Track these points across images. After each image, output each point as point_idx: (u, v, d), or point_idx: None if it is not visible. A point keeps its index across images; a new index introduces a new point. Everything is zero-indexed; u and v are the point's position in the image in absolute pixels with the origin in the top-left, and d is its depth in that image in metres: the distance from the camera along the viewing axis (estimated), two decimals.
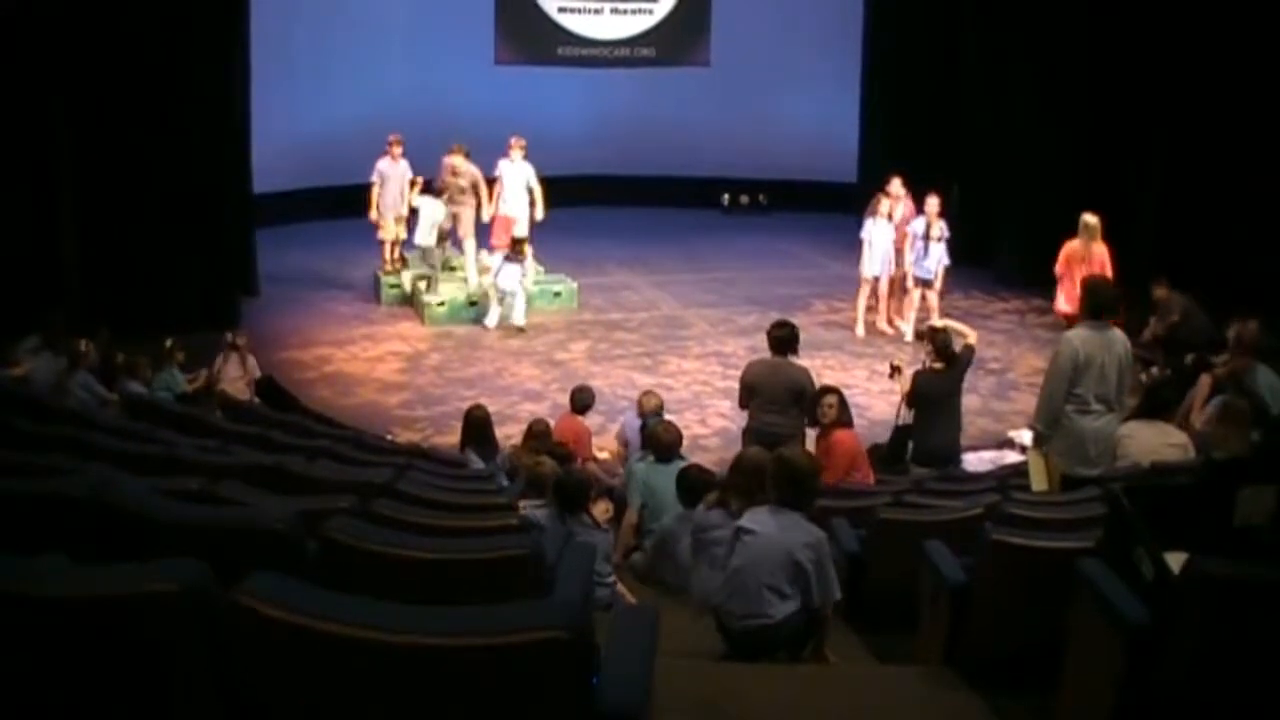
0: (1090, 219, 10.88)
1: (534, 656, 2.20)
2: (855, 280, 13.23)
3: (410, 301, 13.51)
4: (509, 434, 9.20)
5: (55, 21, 10.84)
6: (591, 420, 9.65)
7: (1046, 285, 13.30)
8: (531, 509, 5.93)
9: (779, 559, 4.76)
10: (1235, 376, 8.94)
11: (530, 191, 13.27)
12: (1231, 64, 12.35)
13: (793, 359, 8.28)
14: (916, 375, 8.77)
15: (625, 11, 18.62)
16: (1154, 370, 10.78)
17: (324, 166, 16.42)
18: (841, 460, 7.86)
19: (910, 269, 12.66)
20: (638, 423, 8.72)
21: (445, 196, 13.21)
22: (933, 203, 12.56)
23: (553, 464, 6.87)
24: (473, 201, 13.21)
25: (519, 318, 12.70)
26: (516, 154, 13.26)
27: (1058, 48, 14.41)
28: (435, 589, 3.06)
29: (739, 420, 8.74)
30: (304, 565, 3.27)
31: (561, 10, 18.41)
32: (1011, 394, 11.29)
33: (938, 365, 8.64)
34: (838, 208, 17.80)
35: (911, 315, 12.80)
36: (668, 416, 8.70)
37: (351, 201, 16.06)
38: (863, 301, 12.93)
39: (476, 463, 8.12)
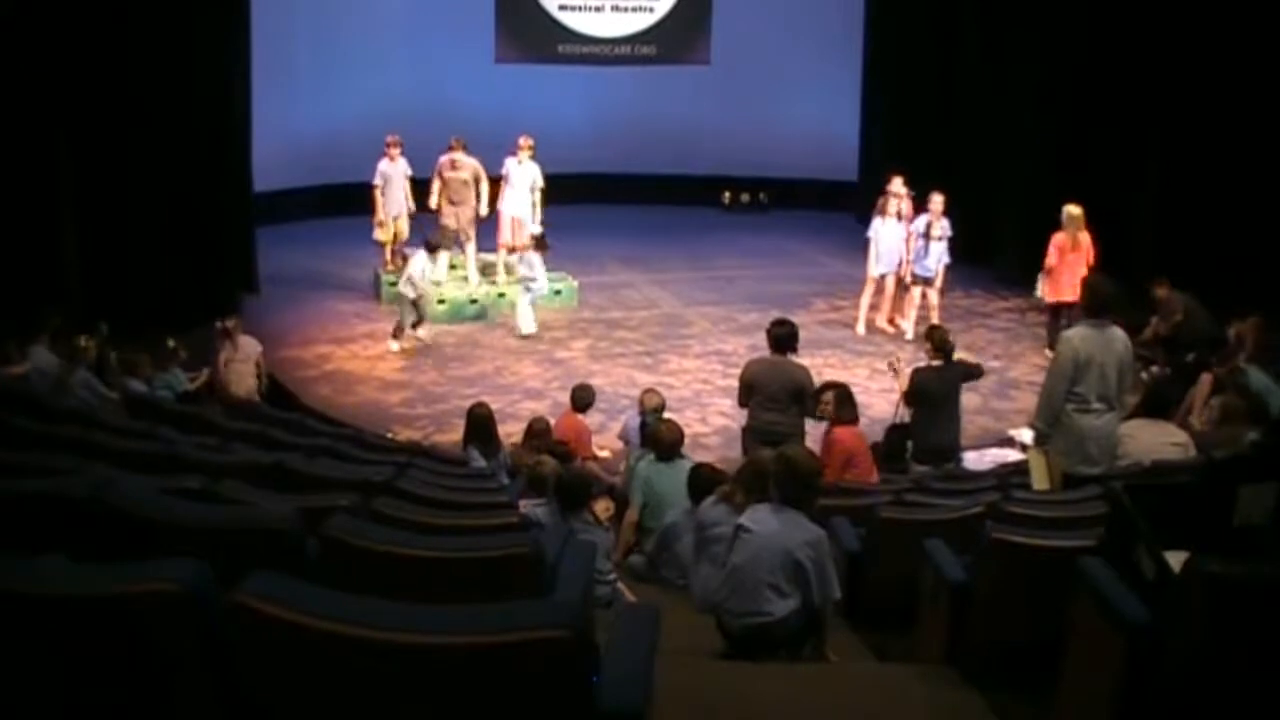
0: (1074, 209, 11.45)
1: (534, 655, 2.20)
2: (856, 278, 13.23)
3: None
4: (509, 432, 9.20)
5: (55, 21, 10.83)
6: (592, 418, 9.66)
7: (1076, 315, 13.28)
8: (532, 508, 5.94)
9: (779, 557, 4.77)
10: (1235, 376, 8.96)
11: (534, 192, 13.24)
12: (1231, 63, 12.34)
13: (792, 357, 8.28)
14: (915, 372, 8.78)
15: (626, 9, 18.61)
16: (1154, 369, 10.80)
17: (324, 165, 16.42)
18: (838, 458, 7.85)
19: (911, 267, 12.66)
20: (638, 421, 8.73)
21: (445, 195, 13.16)
22: (937, 200, 12.54)
23: (553, 463, 6.88)
24: (474, 199, 13.19)
25: (527, 323, 12.54)
26: (525, 154, 13.23)
27: (1058, 46, 14.40)
28: (436, 588, 3.06)
29: (739, 418, 8.74)
30: (304, 564, 3.27)
31: (562, 8, 18.41)
32: (1012, 393, 11.29)
33: (936, 362, 8.64)
34: (838, 206, 17.84)
35: (912, 314, 12.80)
36: (668, 415, 8.70)
37: (352, 200, 16.05)
38: (866, 300, 12.93)
39: (478, 461, 8.13)
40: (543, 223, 13.29)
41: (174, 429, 6.86)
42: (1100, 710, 3.24)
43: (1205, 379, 9.63)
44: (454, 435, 9.76)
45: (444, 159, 13.22)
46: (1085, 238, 11.57)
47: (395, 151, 13.47)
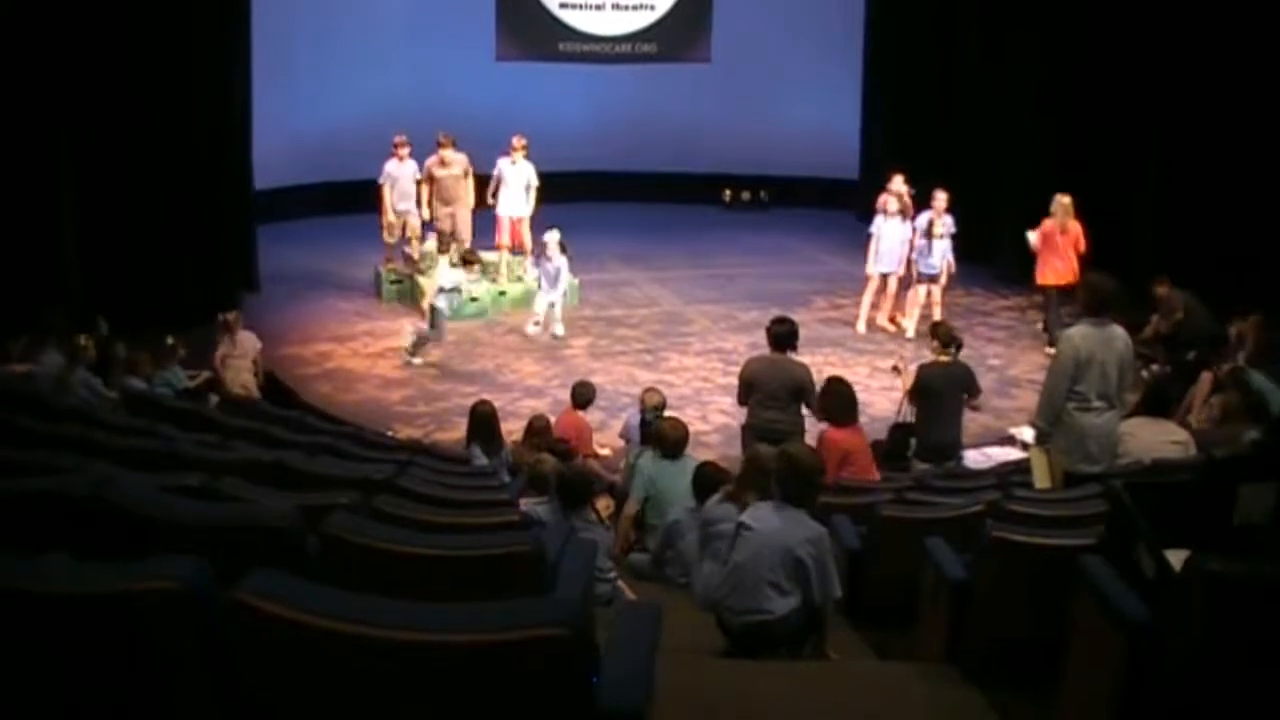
0: (1064, 199, 12.01)
1: (534, 654, 2.20)
2: (856, 276, 13.23)
3: (411, 297, 13.50)
4: (510, 430, 9.20)
5: (55, 21, 10.82)
6: (593, 416, 9.66)
7: (1068, 299, 13.31)
8: (532, 506, 5.94)
9: (780, 555, 4.76)
10: (1235, 375, 8.95)
11: (529, 191, 13.24)
12: (1231, 63, 12.34)
13: (792, 355, 8.28)
14: (921, 368, 8.77)
15: (627, 7, 18.60)
16: (1153, 367, 10.80)
17: (325, 162, 16.41)
18: (833, 456, 7.83)
19: (916, 266, 12.66)
20: (639, 419, 8.73)
21: (437, 197, 13.04)
22: (940, 197, 12.52)
23: (553, 461, 6.88)
24: (466, 196, 13.10)
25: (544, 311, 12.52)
26: (519, 154, 13.18)
27: (1058, 46, 14.40)
28: (436, 586, 3.06)
29: (739, 416, 8.74)
30: (304, 562, 3.27)
31: (563, 6, 18.39)
32: (1013, 391, 11.29)
33: (943, 358, 8.63)
34: (839, 204, 17.83)
35: (915, 312, 12.79)
36: (670, 413, 8.70)
37: (352, 197, 16.06)
38: (868, 298, 12.92)
39: (480, 459, 8.12)
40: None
41: (174, 427, 6.86)
42: (1101, 708, 3.24)
43: (1205, 377, 9.63)
44: (454, 433, 9.76)
45: (431, 159, 13.14)
46: (1075, 225, 12.01)
47: (404, 151, 13.36)
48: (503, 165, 13.23)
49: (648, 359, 11.95)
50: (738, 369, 8.69)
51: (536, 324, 12.55)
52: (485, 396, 9.27)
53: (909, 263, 12.71)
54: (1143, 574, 3.23)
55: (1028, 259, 12.52)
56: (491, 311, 13.21)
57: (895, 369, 9.39)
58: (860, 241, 13.26)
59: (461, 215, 13.18)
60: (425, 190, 13.12)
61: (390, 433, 9.59)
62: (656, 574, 6.58)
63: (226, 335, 10.47)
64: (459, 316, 12.94)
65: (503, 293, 13.41)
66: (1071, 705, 3.52)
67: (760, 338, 8.92)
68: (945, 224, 12.48)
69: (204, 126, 12.41)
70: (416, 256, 13.55)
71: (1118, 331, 6.58)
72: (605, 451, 9.56)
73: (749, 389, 8.21)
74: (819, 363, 10.74)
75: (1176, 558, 3.05)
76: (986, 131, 15.18)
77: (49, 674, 2.35)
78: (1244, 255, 11.80)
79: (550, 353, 12.07)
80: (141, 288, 11.86)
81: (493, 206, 13.37)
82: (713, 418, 10.45)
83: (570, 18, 18.45)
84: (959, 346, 8.79)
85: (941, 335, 8.74)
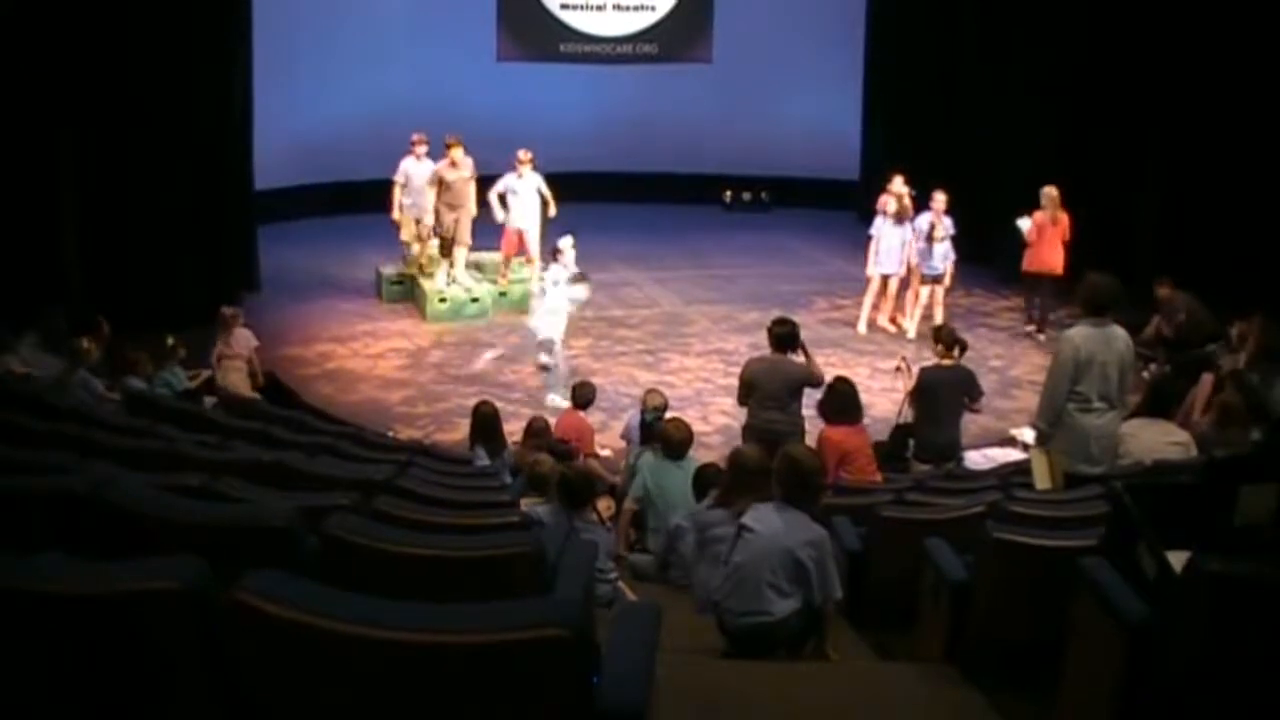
0: (1051, 190, 12.55)
1: (534, 655, 2.19)
2: (857, 277, 13.22)
3: (412, 298, 13.50)
4: (511, 431, 9.20)
5: (55, 21, 10.83)
6: (593, 417, 9.66)
7: (1055, 289, 13.33)
8: (533, 506, 5.94)
9: (780, 557, 4.76)
10: (1235, 375, 8.94)
11: (541, 195, 13.09)
12: (1231, 63, 12.33)
13: (792, 356, 8.28)
14: (923, 370, 8.78)
15: (628, 8, 18.61)
16: (1153, 367, 10.80)
17: (326, 163, 16.42)
18: (830, 457, 7.82)
19: (915, 266, 12.67)
20: (640, 420, 8.72)
21: (442, 200, 12.88)
22: (939, 199, 12.55)
23: (552, 461, 6.88)
24: (470, 201, 13.00)
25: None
26: (525, 168, 13.01)
27: (1058, 45, 14.40)
28: (436, 586, 3.06)
29: (740, 417, 8.74)
30: (304, 562, 3.26)
31: (564, 7, 18.41)
32: (1013, 392, 11.29)
33: (946, 361, 8.64)
34: (839, 204, 17.83)
35: (916, 312, 12.80)
36: (671, 414, 8.70)
37: (353, 198, 16.07)
38: (869, 299, 12.92)
39: (482, 460, 8.12)
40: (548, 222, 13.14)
41: (174, 427, 6.85)
42: (1101, 709, 3.24)
43: (1206, 378, 9.61)
44: (454, 434, 9.76)
45: (440, 162, 12.93)
46: (1063, 216, 12.55)
47: (421, 150, 13.20)
48: (509, 180, 13.02)
49: (648, 360, 11.95)
50: (738, 370, 8.70)
51: (549, 358, 11.20)
52: (485, 398, 9.27)
53: (908, 264, 12.72)
54: (1144, 575, 3.22)
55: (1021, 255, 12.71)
56: (492, 312, 13.20)
57: (898, 369, 9.39)
58: (860, 242, 13.26)
59: (464, 220, 13.03)
60: (433, 190, 12.98)
61: (390, 433, 9.59)
62: (660, 577, 6.57)
63: (223, 332, 10.43)
64: (460, 318, 12.95)
65: (503, 294, 13.41)
66: (1071, 705, 3.51)
67: (761, 338, 8.92)
68: (945, 226, 12.49)
69: (204, 126, 12.41)
70: (422, 259, 13.45)
71: (1118, 332, 6.57)
72: (606, 452, 9.56)
73: (749, 389, 8.22)
74: (820, 364, 10.71)
75: (1177, 559, 3.05)
76: (986, 131, 15.18)
77: (49, 675, 2.34)
78: (1245, 255, 11.80)
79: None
80: (142, 288, 11.85)
81: (500, 220, 13.09)
82: (714, 418, 10.45)
83: (571, 18, 18.46)
84: (962, 349, 8.80)
85: (944, 338, 8.76)
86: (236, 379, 10.21)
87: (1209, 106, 12.62)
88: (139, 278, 11.94)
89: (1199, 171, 12.75)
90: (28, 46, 10.67)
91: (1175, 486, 3.85)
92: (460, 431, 9.45)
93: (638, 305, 13.86)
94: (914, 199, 12.87)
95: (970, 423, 9.31)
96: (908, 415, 9.05)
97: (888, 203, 12.72)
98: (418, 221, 13.35)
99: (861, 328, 12.91)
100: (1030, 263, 12.78)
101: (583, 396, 9.35)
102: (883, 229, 12.71)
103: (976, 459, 9.19)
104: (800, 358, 8.33)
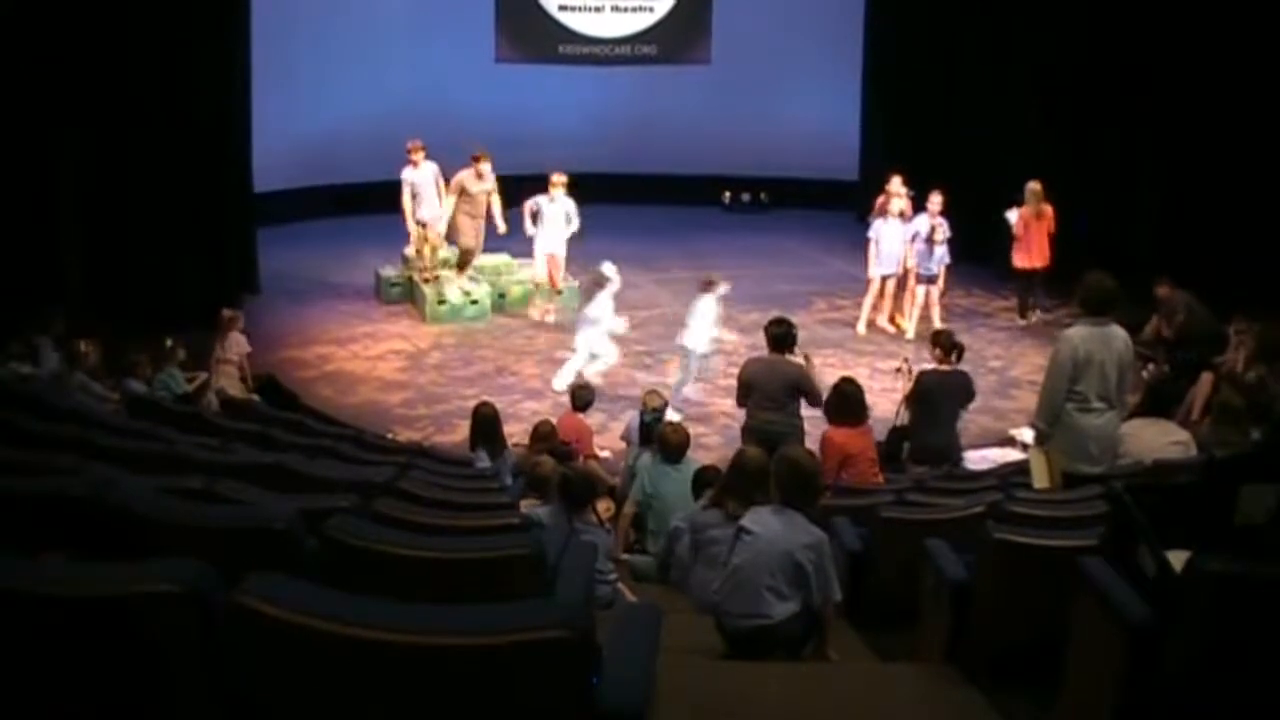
0: (1034, 185, 12.87)
1: (535, 656, 2.20)
2: (856, 277, 13.21)
3: (411, 300, 13.50)
4: (511, 432, 9.20)
5: (55, 21, 10.83)
6: (593, 418, 9.66)
7: (1045, 281, 13.37)
8: (533, 508, 5.94)
9: (779, 560, 4.76)
10: (1233, 375, 8.96)
11: (568, 218, 12.91)
12: (1231, 62, 12.34)
13: (790, 356, 8.29)
14: (920, 374, 8.77)
15: (626, 9, 18.60)
16: (1151, 366, 10.81)
17: (325, 165, 16.40)
18: (831, 458, 7.83)
19: (913, 267, 12.68)
20: (640, 421, 8.73)
21: (463, 211, 12.65)
22: (935, 201, 12.57)
23: (552, 463, 6.87)
24: (484, 211, 12.81)
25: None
26: (558, 190, 12.85)
27: (1058, 45, 14.40)
28: (437, 588, 3.06)
29: (740, 418, 8.74)
30: (305, 564, 3.27)
31: (562, 8, 18.40)
32: (1012, 392, 11.29)
33: (944, 367, 8.64)
34: (839, 205, 17.81)
35: (915, 313, 12.81)
36: (670, 415, 8.71)
37: (353, 200, 16.06)
38: (869, 300, 12.92)
39: (483, 461, 8.11)
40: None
41: (174, 429, 6.86)
42: (1102, 708, 3.24)
43: (1206, 378, 9.64)
44: (454, 436, 9.76)
45: (465, 172, 12.68)
46: (1048, 209, 12.88)
47: (419, 156, 13.00)
48: (540, 202, 12.84)
49: (648, 361, 11.94)
50: (737, 370, 8.70)
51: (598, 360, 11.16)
52: (485, 399, 9.27)
53: (904, 264, 12.75)
54: (1144, 575, 3.22)
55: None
56: (491, 313, 13.19)
57: (899, 370, 9.39)
58: (859, 242, 13.26)
59: (482, 232, 12.89)
60: (453, 199, 12.66)
61: (390, 435, 9.59)
62: (661, 579, 6.57)
63: (220, 335, 10.42)
64: (459, 319, 12.95)
65: (502, 295, 13.40)
66: (1073, 706, 3.51)
67: (761, 339, 8.92)
68: (943, 228, 12.52)
69: (204, 128, 12.40)
70: (428, 264, 13.26)
71: (1117, 332, 6.57)
72: (605, 454, 9.56)
73: (747, 390, 8.22)
74: (819, 364, 10.72)
75: (1177, 559, 3.05)
76: (986, 131, 15.18)
77: (49, 677, 2.34)
78: (1244, 255, 11.80)
79: (550, 355, 12.06)
80: (142, 289, 11.85)
81: (530, 233, 12.92)
82: (713, 419, 10.44)
83: (570, 20, 18.45)
84: (960, 355, 8.79)
85: (944, 343, 8.75)
86: (228, 383, 10.22)
87: (1208, 106, 12.63)
88: (138, 279, 11.94)
89: (1198, 171, 12.76)
90: (28, 46, 10.67)
91: (1175, 486, 3.86)
92: (460, 433, 9.45)
93: (637, 306, 13.82)
94: (912, 200, 12.88)
95: (970, 423, 9.31)
96: (904, 418, 9.06)
97: (890, 203, 12.73)
98: (424, 225, 13.20)
99: (861, 328, 12.91)
100: (1017, 258, 13.08)
101: (582, 398, 9.35)
102: (882, 230, 12.72)
103: (975, 459, 9.19)
104: (799, 359, 8.34)
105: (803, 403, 8.25)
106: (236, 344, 10.50)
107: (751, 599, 4.76)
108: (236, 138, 13.22)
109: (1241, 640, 2.94)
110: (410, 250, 13.40)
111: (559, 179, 12.93)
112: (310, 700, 2.29)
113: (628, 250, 15.99)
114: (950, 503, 6.06)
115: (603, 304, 11.16)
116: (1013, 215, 12.93)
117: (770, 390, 8.10)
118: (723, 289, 11.20)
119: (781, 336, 8.26)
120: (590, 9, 18.48)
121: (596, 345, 11.13)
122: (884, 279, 12.81)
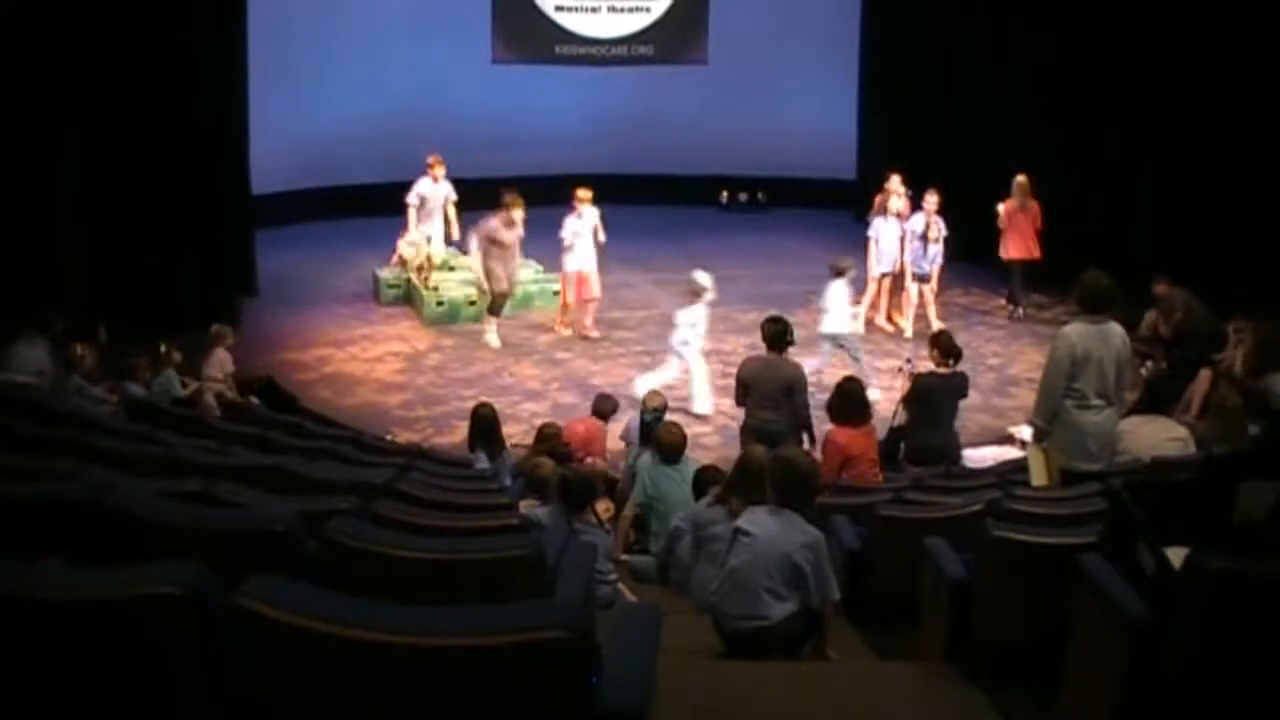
0: (1021, 179, 13.09)
1: (535, 657, 2.20)
2: (855, 277, 13.20)
3: (409, 301, 13.49)
4: (510, 433, 9.20)
5: (55, 21, 10.82)
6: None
7: (1045, 281, 13.39)
8: (532, 509, 5.94)
9: (777, 560, 4.76)
10: (1231, 373, 8.96)
11: (597, 231, 12.63)
12: (1231, 62, 12.34)
13: (786, 355, 8.30)
14: (918, 376, 8.77)
15: (622, 10, 18.59)
16: (1149, 364, 10.81)
17: (323, 167, 16.40)
18: (833, 458, 7.83)
19: (909, 265, 12.69)
20: (640, 420, 8.73)
21: (495, 259, 12.13)
22: (931, 200, 12.58)
23: (551, 464, 6.87)
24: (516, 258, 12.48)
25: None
26: (585, 206, 12.49)
27: (1057, 46, 14.40)
28: (436, 589, 3.06)
29: (739, 417, 8.75)
30: (304, 566, 3.27)
31: (559, 9, 18.39)
32: (1011, 390, 11.29)
33: (943, 370, 8.64)
34: (837, 204, 17.80)
35: (911, 312, 12.82)
36: (669, 415, 8.70)
37: (351, 202, 16.05)
38: (868, 299, 12.92)
39: (482, 462, 8.10)
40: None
41: (173, 432, 6.85)
42: (1102, 706, 3.24)
43: (1204, 375, 9.64)
44: (453, 437, 9.76)
45: (495, 221, 12.08)
46: (1034, 204, 13.08)
47: (439, 171, 12.86)
48: (572, 224, 12.43)
49: (646, 361, 11.92)
50: (736, 370, 8.70)
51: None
52: (484, 399, 9.27)
53: (900, 263, 12.76)
54: (1143, 572, 3.23)
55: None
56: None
57: (900, 370, 9.39)
58: (858, 241, 13.25)
59: (515, 273, 12.53)
60: (485, 245, 12.06)
61: (389, 437, 9.58)
62: (661, 579, 6.58)
63: (205, 354, 10.19)
64: (458, 320, 12.94)
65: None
66: (1072, 704, 3.52)
67: (759, 339, 8.92)
68: (938, 228, 12.55)
69: (203, 129, 12.38)
70: (426, 273, 13.19)
71: (1115, 329, 6.57)
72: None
73: (745, 389, 8.23)
74: (819, 364, 10.74)
75: (1176, 556, 3.05)
76: (985, 131, 15.18)
77: (49, 681, 2.34)
78: (1243, 254, 11.80)
79: (549, 355, 12.06)
80: (141, 291, 11.84)
81: (569, 269, 12.61)
82: (712, 419, 10.44)
83: (566, 20, 18.44)
84: (958, 357, 8.78)
85: (943, 345, 8.74)
86: (211, 401, 9.86)
87: (1207, 106, 12.62)
88: (138, 281, 11.92)
89: (1197, 171, 12.76)
90: (28, 46, 10.66)
91: (1174, 483, 3.86)
92: (458, 434, 9.45)
93: (635, 306, 13.85)
94: (911, 199, 12.89)
95: (969, 421, 9.31)
96: (901, 418, 9.06)
97: (889, 202, 12.74)
98: (428, 239, 13.14)
99: (859, 328, 12.90)
100: (1004, 250, 13.31)
101: (601, 408, 9.36)
102: (881, 230, 12.72)
103: (973, 457, 9.19)
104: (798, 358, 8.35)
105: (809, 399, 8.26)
106: (220, 363, 10.24)
107: (749, 600, 4.76)
108: (235, 139, 13.21)
109: (1241, 637, 2.94)
110: (408, 251, 13.37)
111: (584, 194, 12.52)
112: (311, 702, 2.29)
113: (626, 251, 16.00)
114: (949, 501, 6.07)
115: (696, 314, 10.82)
116: (1001, 208, 13.12)
117: (768, 390, 8.11)
118: (853, 273, 11.48)
119: (778, 335, 8.27)
120: (587, 9, 18.47)
121: (686, 353, 10.79)
122: (882, 277, 12.82)
